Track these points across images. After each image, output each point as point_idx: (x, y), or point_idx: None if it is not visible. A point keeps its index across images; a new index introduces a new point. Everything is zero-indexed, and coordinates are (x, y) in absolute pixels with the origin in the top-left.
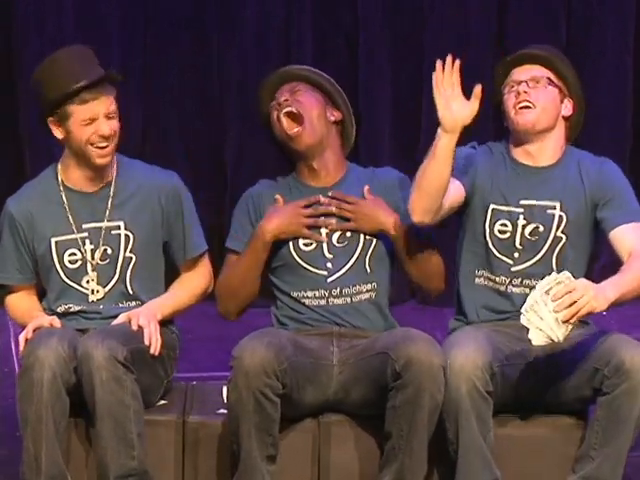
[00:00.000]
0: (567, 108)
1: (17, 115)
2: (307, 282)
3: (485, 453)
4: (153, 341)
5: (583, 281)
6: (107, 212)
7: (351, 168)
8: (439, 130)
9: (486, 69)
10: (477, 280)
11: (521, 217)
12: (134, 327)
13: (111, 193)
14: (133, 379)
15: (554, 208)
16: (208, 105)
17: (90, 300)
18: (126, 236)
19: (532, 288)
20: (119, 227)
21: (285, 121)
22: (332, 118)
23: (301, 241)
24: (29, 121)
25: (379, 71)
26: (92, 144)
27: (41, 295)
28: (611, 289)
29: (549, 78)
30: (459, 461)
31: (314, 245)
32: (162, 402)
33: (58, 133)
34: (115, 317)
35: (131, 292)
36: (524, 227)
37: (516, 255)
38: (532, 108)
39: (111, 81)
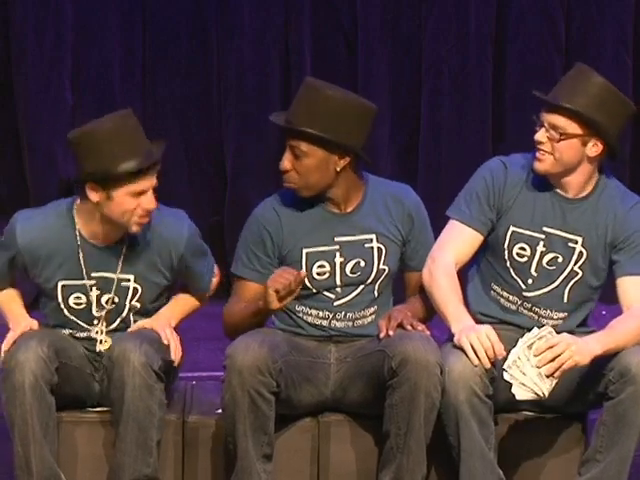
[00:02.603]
0: (594, 149)
1: (16, 116)
2: (313, 301)
3: (487, 456)
4: (178, 354)
5: (565, 336)
6: (119, 265)
7: (368, 186)
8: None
9: (484, 70)
10: (491, 293)
11: (541, 243)
12: (165, 342)
13: (124, 247)
14: (162, 388)
15: (576, 242)
16: (207, 106)
17: (95, 331)
18: (134, 289)
19: (541, 316)
20: (129, 280)
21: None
22: (338, 168)
23: (315, 271)
24: (28, 122)
25: (378, 72)
26: (133, 215)
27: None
28: (596, 344)
29: (565, 133)
30: (462, 465)
31: (327, 274)
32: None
33: (94, 196)
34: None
35: (132, 323)
36: (543, 254)
37: (530, 281)
38: (546, 157)
39: (157, 165)
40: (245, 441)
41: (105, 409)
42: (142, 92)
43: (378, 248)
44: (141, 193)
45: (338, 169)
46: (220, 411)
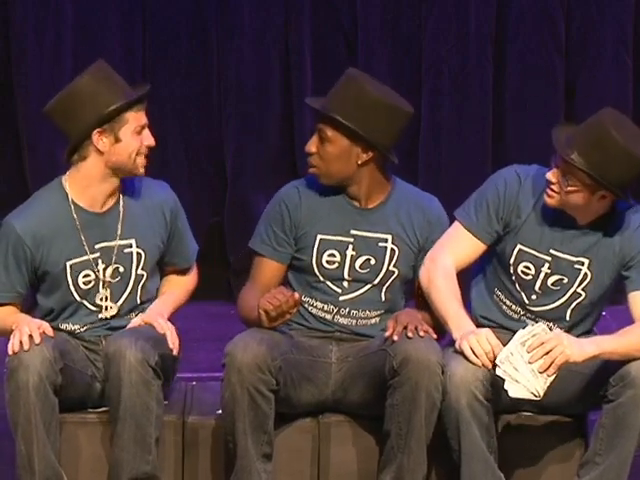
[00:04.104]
0: (601, 200)
1: (16, 116)
2: (320, 293)
3: (488, 459)
4: (175, 342)
5: (558, 332)
6: (118, 231)
7: (395, 188)
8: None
9: (484, 71)
10: (494, 297)
11: (546, 265)
12: (160, 331)
13: (120, 211)
14: (160, 384)
15: (582, 264)
16: (207, 106)
17: (101, 317)
18: (138, 254)
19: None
20: (131, 245)
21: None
22: (359, 162)
23: (324, 259)
24: (28, 122)
25: (378, 72)
26: (139, 154)
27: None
28: (590, 345)
29: (574, 185)
30: (462, 468)
31: (336, 265)
32: (164, 403)
33: (104, 145)
34: (118, 328)
35: (139, 303)
36: (547, 275)
37: (533, 297)
38: (555, 195)
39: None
40: (245, 439)
41: (107, 409)
42: None
43: (391, 249)
44: (142, 129)
45: (359, 162)
46: (220, 412)
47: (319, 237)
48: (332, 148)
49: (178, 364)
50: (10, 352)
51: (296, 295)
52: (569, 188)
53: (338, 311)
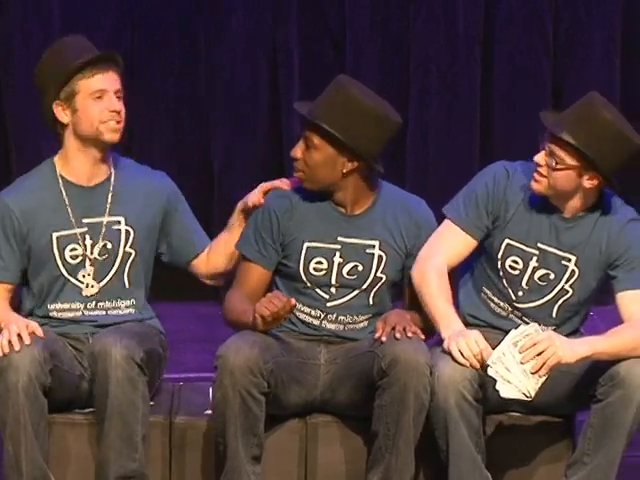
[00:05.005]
0: (590, 182)
1: (4, 116)
2: (307, 299)
3: (476, 459)
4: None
5: (550, 333)
6: (107, 207)
7: (381, 193)
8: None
9: (472, 71)
10: (482, 296)
11: (534, 259)
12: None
13: (110, 188)
14: (145, 381)
15: (569, 261)
16: (195, 106)
17: (84, 294)
18: (127, 231)
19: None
20: (119, 222)
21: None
22: (344, 170)
23: (312, 266)
24: (16, 123)
25: (366, 71)
26: (103, 122)
27: (15, 306)
28: (582, 346)
29: (562, 163)
30: (450, 468)
31: (324, 272)
32: (150, 403)
33: (64, 117)
34: (108, 326)
35: (127, 286)
36: (535, 269)
37: (520, 294)
38: (542, 180)
39: (115, 63)
40: (235, 441)
41: (94, 410)
42: (129, 91)
43: (379, 255)
44: (102, 93)
45: (345, 171)
46: (208, 412)
47: (306, 245)
48: (317, 155)
49: (165, 363)
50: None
51: (293, 301)
52: (557, 166)
53: (326, 317)
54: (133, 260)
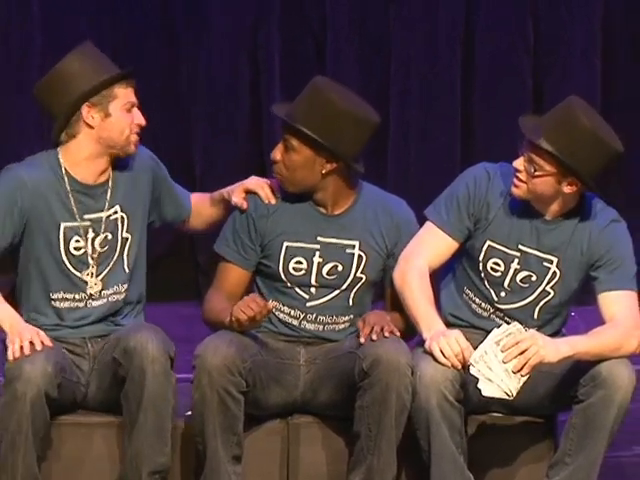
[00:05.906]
0: (569, 187)
1: None
2: (287, 298)
3: (458, 460)
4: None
5: (532, 332)
6: (107, 203)
7: (362, 193)
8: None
9: (452, 71)
10: (464, 296)
11: (515, 261)
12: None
13: (110, 186)
14: (175, 376)
15: (551, 262)
16: (176, 105)
17: (88, 292)
18: (122, 217)
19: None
20: (116, 212)
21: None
22: (324, 171)
23: (291, 266)
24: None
25: (347, 72)
26: (131, 133)
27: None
28: (565, 345)
29: (540, 170)
30: (432, 468)
31: (303, 272)
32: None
33: (93, 120)
34: (106, 318)
35: (127, 270)
36: (516, 271)
37: (502, 294)
38: (521, 185)
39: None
40: (214, 441)
41: (83, 413)
42: None
43: (359, 255)
44: (130, 108)
45: (324, 172)
46: (189, 413)
47: (285, 244)
48: (296, 157)
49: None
50: (11, 358)
51: (269, 305)
52: (536, 173)
53: (305, 317)
54: (131, 245)
